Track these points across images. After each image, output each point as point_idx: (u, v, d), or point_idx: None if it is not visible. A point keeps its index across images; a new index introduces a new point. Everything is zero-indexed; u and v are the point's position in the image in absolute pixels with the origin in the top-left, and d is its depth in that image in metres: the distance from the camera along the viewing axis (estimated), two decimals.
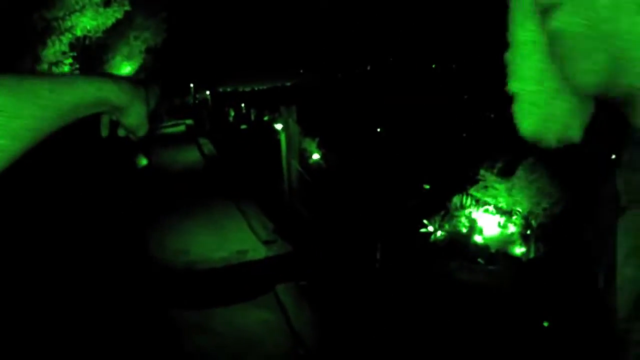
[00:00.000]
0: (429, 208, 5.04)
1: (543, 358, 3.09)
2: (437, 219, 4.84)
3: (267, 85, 37.88)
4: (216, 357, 3.48)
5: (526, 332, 3.26)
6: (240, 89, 36.74)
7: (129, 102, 0.71)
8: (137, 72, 16.45)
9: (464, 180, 5.10)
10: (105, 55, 12.93)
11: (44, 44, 8.37)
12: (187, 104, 26.90)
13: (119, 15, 9.82)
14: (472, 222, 4.66)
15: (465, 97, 15.26)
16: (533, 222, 4.34)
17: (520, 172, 4.52)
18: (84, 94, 0.65)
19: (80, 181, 7.01)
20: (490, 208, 4.70)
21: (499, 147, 5.34)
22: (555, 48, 0.46)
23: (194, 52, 32.24)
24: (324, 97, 21.17)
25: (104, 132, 0.79)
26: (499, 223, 4.60)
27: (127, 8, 9.84)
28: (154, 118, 0.78)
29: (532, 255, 4.23)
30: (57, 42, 8.49)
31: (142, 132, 0.77)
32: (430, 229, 4.81)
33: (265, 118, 14.89)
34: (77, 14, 8.58)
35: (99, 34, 10.00)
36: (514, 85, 0.57)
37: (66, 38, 8.69)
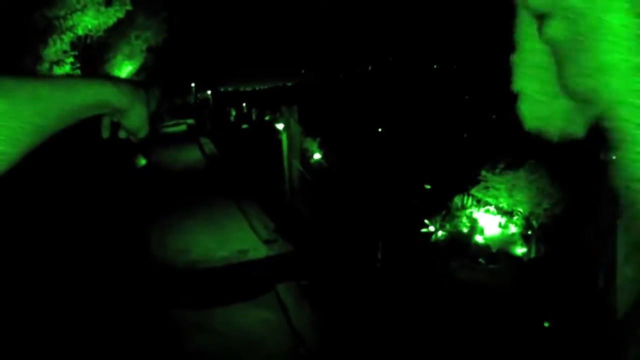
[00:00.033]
0: (430, 208, 5.04)
1: (543, 357, 3.09)
2: (438, 218, 4.84)
3: (268, 85, 37.89)
4: (217, 356, 3.48)
5: (527, 332, 3.26)
6: (242, 89, 36.74)
7: (129, 104, 0.71)
8: (138, 71, 16.46)
9: (465, 181, 5.10)
10: (107, 55, 12.95)
11: (45, 43, 8.37)
12: (188, 104, 26.92)
13: (121, 15, 9.83)
14: (473, 222, 4.66)
15: (467, 97, 15.25)
16: (534, 222, 4.34)
17: (521, 173, 4.53)
18: (84, 96, 0.65)
19: (80, 181, 7.02)
20: (491, 208, 4.70)
21: (500, 148, 5.35)
22: (552, 52, 0.49)
23: (195, 51, 32.25)
24: (325, 97, 21.17)
25: (105, 134, 0.79)
26: (500, 223, 4.60)
27: (128, 7, 9.85)
28: (154, 120, 0.78)
29: (532, 255, 4.23)
30: (58, 41, 8.49)
31: (142, 134, 0.77)
32: (432, 228, 4.81)
33: (267, 118, 14.89)
34: (79, 13, 8.59)
35: (100, 33, 10.02)
36: (518, 84, 0.59)
37: (67, 37, 8.69)
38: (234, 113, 18.71)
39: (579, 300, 3.19)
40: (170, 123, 22.96)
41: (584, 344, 2.89)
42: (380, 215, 5.29)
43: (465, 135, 9.21)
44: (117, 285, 4.39)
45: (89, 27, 9.20)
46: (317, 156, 8.79)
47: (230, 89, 35.47)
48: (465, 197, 4.91)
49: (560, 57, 0.47)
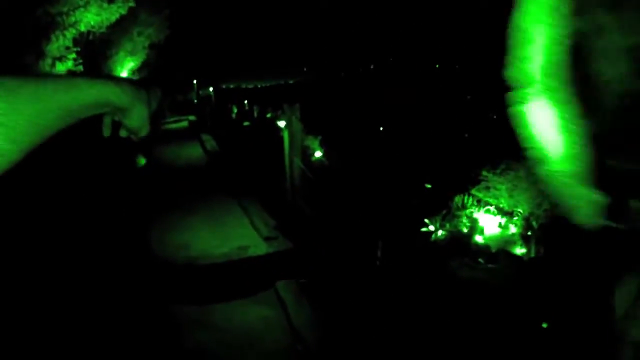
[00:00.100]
0: (430, 207, 5.05)
1: (542, 357, 3.10)
2: (439, 218, 4.85)
3: (270, 82, 37.86)
4: (216, 352, 3.49)
5: (526, 331, 3.27)
6: (243, 86, 36.73)
7: (130, 104, 0.72)
8: (141, 68, 16.48)
9: (465, 180, 5.11)
10: (109, 51, 12.97)
11: (48, 39, 8.38)
12: (190, 100, 26.90)
13: (123, 11, 9.84)
14: (473, 222, 4.66)
15: (468, 97, 15.24)
16: (534, 223, 4.35)
17: (521, 174, 4.53)
18: (86, 95, 0.65)
19: (81, 179, 7.03)
20: (492, 208, 4.71)
21: (501, 148, 5.35)
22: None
23: (197, 48, 32.23)
24: (326, 95, 21.16)
25: (106, 133, 0.80)
26: (500, 223, 4.60)
27: (131, 4, 9.86)
28: (155, 119, 0.79)
29: (532, 256, 4.24)
30: (60, 38, 8.50)
31: (143, 133, 0.78)
32: (432, 228, 4.82)
33: (268, 115, 14.89)
34: (81, 9, 8.59)
35: (103, 30, 10.03)
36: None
37: (70, 33, 8.70)
38: (235, 110, 18.70)
39: (578, 299, 3.20)
40: (172, 119, 22.96)
41: (583, 343, 2.90)
42: (381, 214, 5.30)
43: (467, 135, 9.22)
44: (118, 280, 4.40)
45: (92, 23, 9.21)
46: (318, 154, 8.80)
47: (232, 86, 35.45)
48: (466, 197, 4.92)
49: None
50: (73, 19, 8.58)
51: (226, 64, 39.29)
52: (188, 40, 27.05)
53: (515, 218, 4.54)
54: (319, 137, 9.11)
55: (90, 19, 9.02)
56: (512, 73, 1.42)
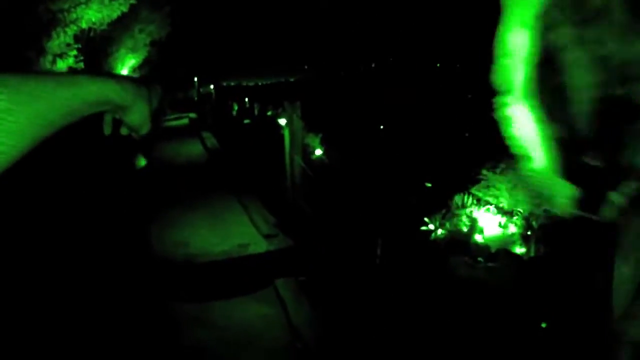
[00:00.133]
0: (430, 206, 5.05)
1: (541, 356, 3.10)
2: (438, 217, 4.85)
3: (270, 80, 37.83)
4: (215, 350, 3.50)
5: (525, 330, 3.27)
6: (244, 84, 36.70)
7: (131, 102, 0.72)
8: (141, 65, 16.48)
9: (465, 179, 5.11)
10: (110, 48, 12.97)
11: (49, 36, 8.39)
12: (190, 98, 26.90)
13: (124, 8, 9.84)
14: (473, 222, 4.66)
15: (469, 96, 15.23)
16: (534, 223, 4.35)
17: (522, 173, 4.52)
18: (87, 93, 0.65)
19: (81, 176, 7.03)
20: (492, 208, 4.71)
21: (501, 147, 5.34)
22: None
23: (198, 46, 32.22)
24: (327, 93, 21.15)
25: (107, 131, 0.80)
26: (500, 223, 4.60)
27: (132, 1, 9.87)
28: (156, 117, 0.80)
29: (532, 255, 4.24)
30: (62, 34, 8.51)
31: (144, 131, 0.78)
32: (431, 227, 4.82)
33: (269, 113, 14.88)
34: (83, 6, 8.60)
35: (104, 27, 10.04)
36: None
37: (71, 30, 8.71)
38: (236, 108, 18.70)
39: (578, 299, 3.20)
40: (173, 117, 22.96)
41: (581, 343, 2.91)
42: (381, 213, 5.30)
43: (467, 134, 9.22)
44: (117, 278, 4.41)
45: (93, 20, 9.22)
46: (318, 152, 8.80)
47: (232, 84, 35.42)
48: (466, 196, 4.92)
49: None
50: (74, 15, 8.59)
51: (227, 61, 39.27)
52: (189, 38, 27.05)
53: (515, 217, 4.54)
54: (320, 135, 9.11)
55: (92, 15, 9.02)
56: (496, 80, 1.63)
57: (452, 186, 5.18)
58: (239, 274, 4.80)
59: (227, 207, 6.83)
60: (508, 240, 4.47)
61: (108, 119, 0.79)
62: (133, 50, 14.56)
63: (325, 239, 4.95)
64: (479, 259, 4.19)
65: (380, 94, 18.27)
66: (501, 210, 4.67)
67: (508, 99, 1.61)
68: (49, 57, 8.52)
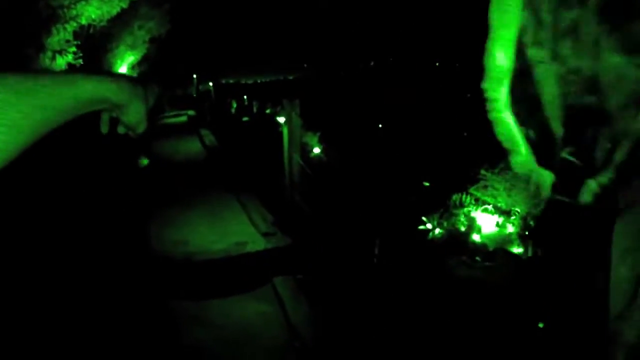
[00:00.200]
0: (428, 205, 5.06)
1: (537, 356, 3.11)
2: (436, 216, 4.86)
3: (269, 78, 37.76)
4: (213, 348, 3.51)
5: (522, 330, 3.28)
6: (243, 81, 36.61)
7: (128, 100, 0.73)
8: (141, 61, 16.45)
9: (464, 179, 5.12)
10: (109, 44, 12.95)
11: (49, 32, 8.37)
12: (189, 95, 26.84)
13: (124, 5, 9.84)
14: (471, 221, 4.67)
15: (468, 95, 15.24)
16: (531, 223, 4.36)
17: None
18: (83, 92, 0.66)
19: (80, 175, 7.03)
20: (490, 207, 4.72)
21: (500, 147, 5.35)
22: None
23: (198, 43, 32.16)
24: (326, 91, 21.13)
25: (104, 129, 0.81)
26: (498, 222, 4.62)
27: None
28: (152, 115, 0.80)
29: (529, 255, 4.25)
30: (61, 31, 8.49)
31: (141, 129, 0.79)
32: (429, 226, 4.83)
33: (268, 111, 14.86)
34: (82, 2, 8.59)
35: (104, 23, 10.02)
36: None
37: (71, 27, 8.70)
38: (235, 105, 18.67)
39: (576, 299, 3.22)
40: (171, 114, 22.92)
41: (577, 344, 2.92)
42: (379, 211, 5.31)
43: (466, 134, 9.22)
44: (115, 276, 4.41)
45: (93, 16, 9.20)
46: (316, 150, 8.80)
47: (231, 81, 35.34)
48: (464, 196, 4.93)
49: None
50: (74, 12, 8.57)
51: (226, 59, 39.17)
52: (189, 35, 27.00)
53: (513, 217, 4.56)
54: (318, 134, 9.10)
55: (91, 12, 9.01)
56: (485, 89, 1.93)
57: (450, 185, 5.19)
58: (238, 272, 4.80)
59: (225, 205, 6.83)
60: (505, 240, 4.48)
61: (105, 117, 0.80)
62: (132, 47, 14.53)
63: (324, 238, 4.96)
64: (477, 258, 4.20)
65: (380, 92, 18.25)
66: (499, 210, 4.68)
67: (495, 105, 1.90)
68: (49, 54, 8.50)
